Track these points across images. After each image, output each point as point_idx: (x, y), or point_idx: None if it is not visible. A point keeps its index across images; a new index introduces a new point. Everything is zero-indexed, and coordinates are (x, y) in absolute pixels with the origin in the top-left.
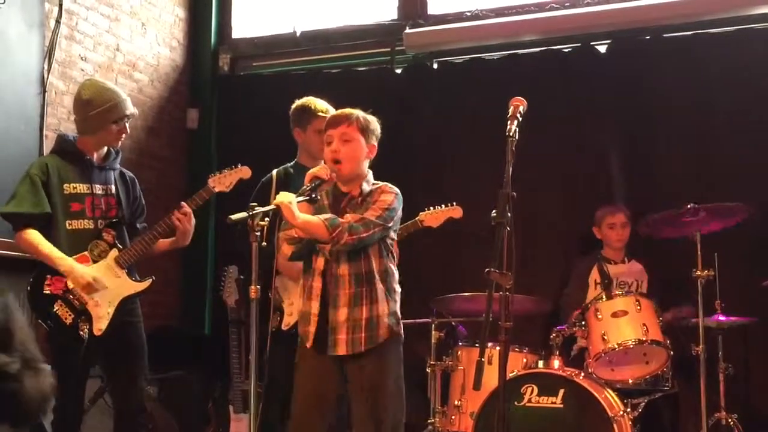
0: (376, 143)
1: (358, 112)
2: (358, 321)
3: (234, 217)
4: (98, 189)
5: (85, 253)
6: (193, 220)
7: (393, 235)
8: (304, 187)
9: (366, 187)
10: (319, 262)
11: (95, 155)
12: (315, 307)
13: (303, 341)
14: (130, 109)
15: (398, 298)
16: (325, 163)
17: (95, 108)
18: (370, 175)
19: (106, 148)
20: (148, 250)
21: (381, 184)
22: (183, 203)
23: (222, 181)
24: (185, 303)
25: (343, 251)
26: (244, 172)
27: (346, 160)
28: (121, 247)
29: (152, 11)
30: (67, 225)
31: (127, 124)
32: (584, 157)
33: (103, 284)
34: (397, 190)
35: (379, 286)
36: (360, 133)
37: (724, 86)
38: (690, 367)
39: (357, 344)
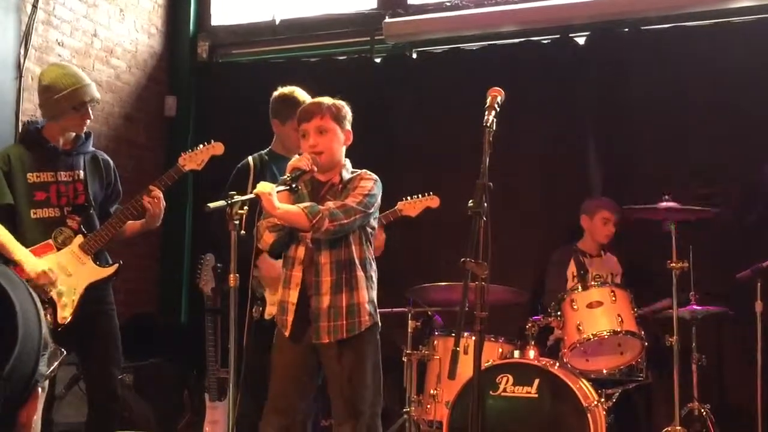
0: (350, 127)
1: (327, 101)
2: (339, 308)
3: (212, 205)
4: (64, 176)
5: (49, 240)
6: (163, 203)
7: (374, 223)
8: (284, 177)
9: (346, 175)
10: (300, 251)
11: (61, 141)
12: (293, 296)
13: (281, 329)
14: (92, 94)
15: (375, 286)
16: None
17: (55, 93)
18: (348, 163)
19: (74, 133)
20: (115, 235)
21: (360, 171)
22: (152, 186)
23: (193, 159)
24: (162, 291)
25: (324, 239)
26: (217, 148)
27: (326, 151)
28: (86, 233)
29: None
30: (31, 214)
31: (90, 110)
32: (562, 147)
33: (56, 275)
34: (376, 177)
35: (360, 274)
36: (334, 121)
37: (701, 78)
38: (664, 357)
39: (338, 332)
